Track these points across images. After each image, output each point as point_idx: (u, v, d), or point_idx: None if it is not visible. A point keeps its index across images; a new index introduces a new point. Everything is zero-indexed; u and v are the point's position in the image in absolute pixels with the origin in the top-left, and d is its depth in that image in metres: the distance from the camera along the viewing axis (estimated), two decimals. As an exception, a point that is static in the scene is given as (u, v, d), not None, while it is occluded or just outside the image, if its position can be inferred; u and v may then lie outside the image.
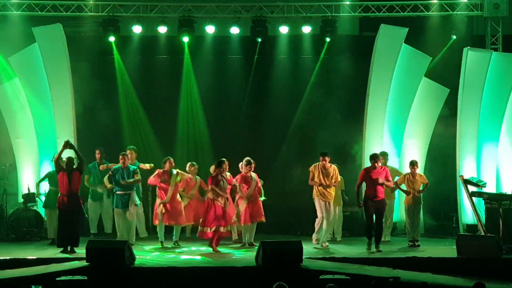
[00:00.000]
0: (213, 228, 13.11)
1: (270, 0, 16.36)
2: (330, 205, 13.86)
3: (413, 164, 14.30)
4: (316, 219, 13.90)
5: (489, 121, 15.56)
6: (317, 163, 13.86)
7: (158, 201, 14.00)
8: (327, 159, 13.81)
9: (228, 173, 13.96)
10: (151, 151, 16.31)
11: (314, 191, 13.86)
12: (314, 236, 13.95)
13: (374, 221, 13.34)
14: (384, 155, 14.84)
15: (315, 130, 16.55)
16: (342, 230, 15.02)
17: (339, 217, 14.83)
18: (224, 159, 13.59)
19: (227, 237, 13.88)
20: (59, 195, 13.13)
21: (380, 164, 13.48)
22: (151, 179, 14.03)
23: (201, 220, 13.44)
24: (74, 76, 15.78)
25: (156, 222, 14.02)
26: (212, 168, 13.67)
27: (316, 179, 13.77)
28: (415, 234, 14.18)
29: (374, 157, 13.47)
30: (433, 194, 15.83)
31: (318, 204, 13.83)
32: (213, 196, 13.22)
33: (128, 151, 14.63)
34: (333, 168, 13.91)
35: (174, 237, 13.98)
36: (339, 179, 14.11)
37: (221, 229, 13.20)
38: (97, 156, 15.08)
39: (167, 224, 13.96)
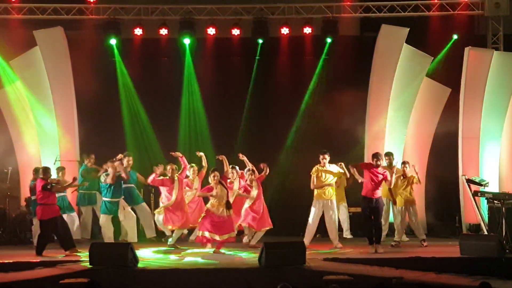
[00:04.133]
0: (207, 234, 13.15)
1: (271, 1, 16.37)
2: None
3: (404, 163, 14.32)
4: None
5: (491, 120, 15.57)
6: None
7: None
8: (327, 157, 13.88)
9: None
10: (153, 153, 16.33)
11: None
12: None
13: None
14: (390, 155, 14.80)
15: (316, 131, 16.55)
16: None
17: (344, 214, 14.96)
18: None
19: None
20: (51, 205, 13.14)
21: (382, 164, 13.44)
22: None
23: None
24: (75, 79, 15.81)
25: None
26: (210, 178, 13.64)
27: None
28: (419, 233, 14.20)
29: (376, 156, 13.42)
30: (435, 194, 15.85)
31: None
32: (210, 205, 13.26)
33: (126, 158, 14.60)
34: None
35: (171, 240, 14.02)
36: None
37: (217, 237, 13.22)
38: (91, 161, 15.07)
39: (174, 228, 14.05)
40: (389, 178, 13.41)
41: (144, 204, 15.01)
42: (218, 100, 16.76)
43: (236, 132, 16.61)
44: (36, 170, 14.27)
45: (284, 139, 16.62)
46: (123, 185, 14.35)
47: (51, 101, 15.73)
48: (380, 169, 13.33)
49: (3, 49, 15.67)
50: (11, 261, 12.15)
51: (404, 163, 14.38)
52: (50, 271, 11.36)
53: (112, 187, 13.91)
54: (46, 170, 13.40)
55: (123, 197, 14.23)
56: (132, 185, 14.80)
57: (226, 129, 16.61)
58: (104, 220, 14.06)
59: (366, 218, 13.37)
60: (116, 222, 14.34)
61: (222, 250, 13.35)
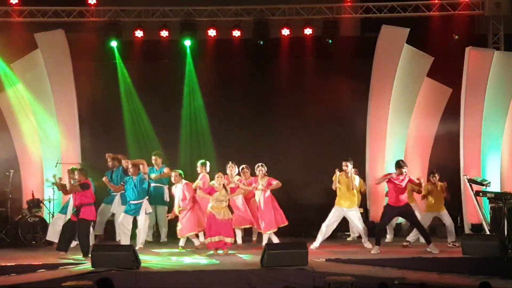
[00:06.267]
0: (216, 238, 13.14)
1: (272, 2, 16.37)
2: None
3: (433, 172, 14.39)
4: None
5: (492, 120, 15.57)
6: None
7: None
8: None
9: (237, 177, 14.29)
10: (155, 155, 16.34)
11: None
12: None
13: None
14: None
15: (317, 132, 16.55)
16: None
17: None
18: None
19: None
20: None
21: (405, 171, 13.24)
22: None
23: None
24: (76, 81, 15.84)
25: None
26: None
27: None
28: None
29: (400, 165, 13.25)
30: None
31: None
32: (212, 208, 13.28)
33: (154, 157, 14.70)
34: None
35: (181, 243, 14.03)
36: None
37: (227, 240, 13.22)
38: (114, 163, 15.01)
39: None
40: (415, 179, 13.48)
41: (165, 208, 14.73)
42: (219, 101, 16.75)
43: (238, 133, 16.60)
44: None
45: (286, 140, 16.61)
46: (154, 184, 14.36)
47: (52, 104, 15.75)
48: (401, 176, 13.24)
49: (4, 52, 15.68)
50: (13, 263, 12.18)
51: (433, 173, 14.37)
52: (52, 274, 11.39)
53: (136, 189, 13.76)
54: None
55: (147, 197, 14.02)
56: (161, 185, 14.67)
57: (228, 130, 16.60)
58: (124, 219, 13.78)
59: (383, 221, 13.53)
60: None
61: (222, 251, 13.35)
